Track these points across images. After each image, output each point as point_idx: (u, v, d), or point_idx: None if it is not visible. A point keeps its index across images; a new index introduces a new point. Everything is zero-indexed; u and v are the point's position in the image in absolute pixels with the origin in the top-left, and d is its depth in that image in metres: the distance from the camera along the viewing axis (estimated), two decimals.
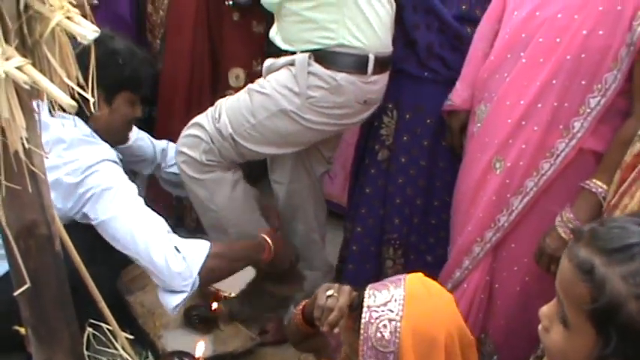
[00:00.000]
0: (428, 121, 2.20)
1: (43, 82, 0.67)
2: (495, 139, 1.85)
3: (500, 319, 1.98)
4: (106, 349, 1.21)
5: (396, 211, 2.31)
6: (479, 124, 1.94)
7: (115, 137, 2.08)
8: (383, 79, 2.11)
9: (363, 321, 1.32)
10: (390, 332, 1.29)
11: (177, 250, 1.84)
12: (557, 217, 1.74)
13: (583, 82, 1.70)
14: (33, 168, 0.77)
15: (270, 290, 2.25)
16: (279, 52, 2.11)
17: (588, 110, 1.71)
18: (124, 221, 1.84)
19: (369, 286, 1.40)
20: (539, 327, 1.06)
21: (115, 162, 1.95)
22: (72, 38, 0.71)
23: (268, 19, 2.34)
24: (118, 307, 1.90)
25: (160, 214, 1.92)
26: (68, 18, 0.68)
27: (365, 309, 1.33)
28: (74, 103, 0.67)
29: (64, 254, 0.94)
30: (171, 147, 2.44)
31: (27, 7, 0.69)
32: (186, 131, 2.17)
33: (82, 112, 0.81)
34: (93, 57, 0.71)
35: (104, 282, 1.36)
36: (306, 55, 1.99)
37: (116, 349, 1.21)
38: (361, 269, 2.40)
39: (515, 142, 1.81)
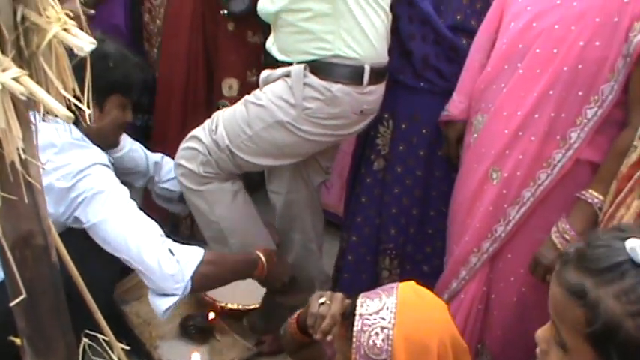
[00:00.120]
0: (424, 131, 2.20)
1: (40, 93, 0.67)
2: (492, 149, 1.86)
3: (497, 330, 1.98)
4: (102, 359, 1.20)
5: (392, 220, 2.31)
6: (475, 135, 1.95)
7: (105, 141, 2.05)
8: (379, 89, 2.11)
9: (355, 329, 1.32)
10: (383, 340, 1.29)
11: (172, 252, 1.83)
12: (553, 227, 1.74)
13: (580, 93, 1.70)
14: (29, 178, 0.77)
15: (279, 301, 2.25)
16: (275, 63, 2.10)
17: (585, 121, 1.71)
18: (115, 224, 1.83)
19: (362, 294, 1.40)
20: (537, 350, 1.06)
21: (107, 166, 1.93)
22: (68, 49, 0.71)
23: (265, 29, 2.34)
24: (114, 317, 1.90)
25: (155, 221, 1.91)
26: (65, 30, 0.68)
27: (357, 317, 1.33)
28: (71, 115, 0.68)
29: (59, 264, 0.94)
30: (165, 161, 2.43)
31: (24, 18, 0.69)
32: (184, 144, 2.18)
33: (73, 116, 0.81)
34: (88, 69, 0.72)
35: (100, 292, 1.35)
36: (302, 66, 1.99)
37: (112, 359, 1.20)
38: (357, 279, 2.39)
39: (512, 153, 1.81)
